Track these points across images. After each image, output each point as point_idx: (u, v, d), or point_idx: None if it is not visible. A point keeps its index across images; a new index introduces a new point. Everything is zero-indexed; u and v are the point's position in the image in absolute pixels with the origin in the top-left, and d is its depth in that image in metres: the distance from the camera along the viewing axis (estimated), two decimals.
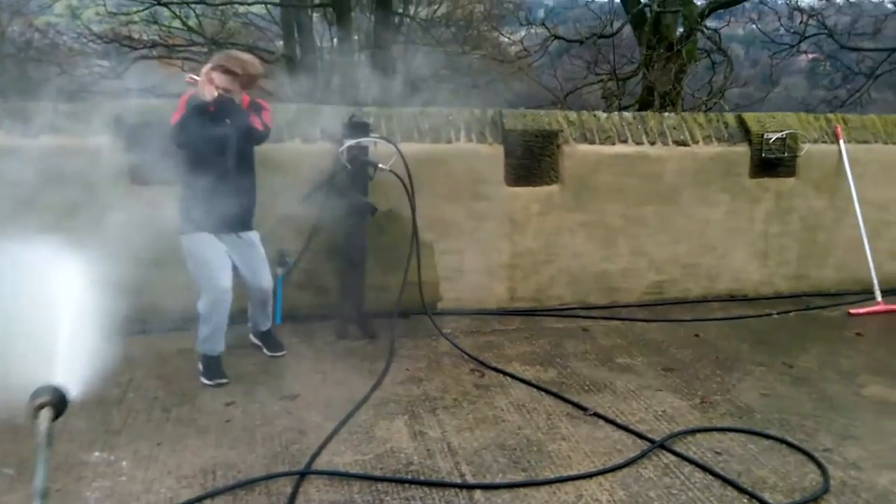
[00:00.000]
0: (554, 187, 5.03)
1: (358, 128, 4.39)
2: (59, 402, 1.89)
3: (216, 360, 3.81)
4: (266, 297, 4.05)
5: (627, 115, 5.43)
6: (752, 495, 2.81)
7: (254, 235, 3.90)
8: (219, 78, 3.63)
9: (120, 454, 3.05)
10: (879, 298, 5.26)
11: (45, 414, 1.79)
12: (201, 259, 3.70)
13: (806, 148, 5.42)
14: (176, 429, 3.30)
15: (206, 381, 3.75)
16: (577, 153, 5.04)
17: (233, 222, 3.76)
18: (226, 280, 3.71)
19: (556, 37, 12.82)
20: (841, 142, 5.52)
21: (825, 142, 5.54)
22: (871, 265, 5.36)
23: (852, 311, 5.16)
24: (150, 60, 12.66)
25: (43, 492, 1.56)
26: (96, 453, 3.06)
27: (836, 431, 3.36)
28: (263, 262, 3.95)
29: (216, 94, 3.56)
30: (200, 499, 2.75)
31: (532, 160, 4.95)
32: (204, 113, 3.57)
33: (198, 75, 3.65)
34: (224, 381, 3.77)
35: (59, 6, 13.79)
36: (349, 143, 4.31)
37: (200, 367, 3.81)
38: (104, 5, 12.16)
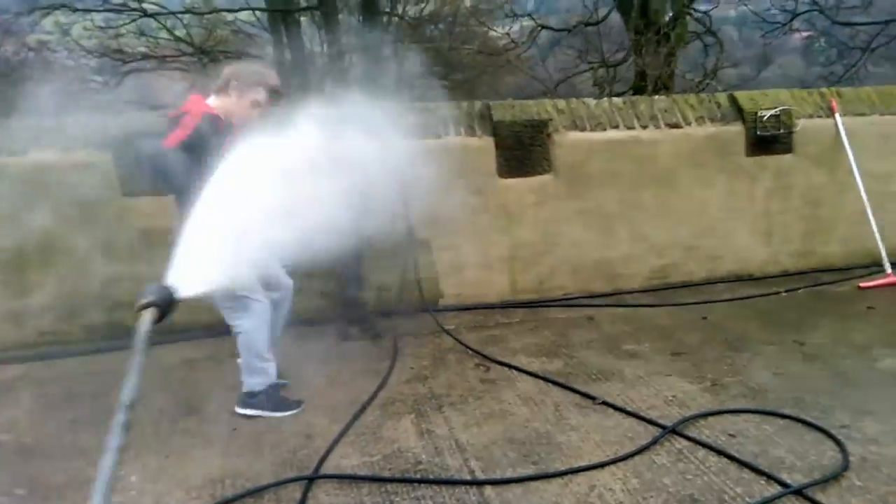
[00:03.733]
0: (547, 177, 4.99)
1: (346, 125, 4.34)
2: (164, 303, 1.76)
3: (276, 388, 3.54)
4: (290, 294, 3.85)
5: (617, 100, 5.39)
6: (769, 476, 2.75)
7: None
8: (265, 99, 3.38)
9: (129, 469, 3.00)
10: (889, 270, 5.21)
11: (147, 315, 1.65)
12: (244, 288, 3.41)
13: (801, 123, 5.38)
14: (183, 440, 3.26)
15: (282, 414, 3.45)
16: (567, 141, 5.00)
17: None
18: (263, 294, 3.50)
19: (543, 27, 12.80)
20: (837, 115, 5.47)
21: (821, 116, 5.50)
22: (878, 237, 5.31)
23: (862, 284, 5.11)
24: (143, 73, 12.65)
25: (130, 404, 1.45)
26: None
27: (852, 407, 3.30)
28: (279, 262, 3.87)
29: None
30: None
31: (523, 151, 4.91)
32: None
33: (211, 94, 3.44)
34: (303, 404, 3.53)
35: (48, 24, 13.75)
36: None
37: (258, 412, 3.44)
38: (92, 20, 12.13)
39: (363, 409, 3.47)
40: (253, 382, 3.47)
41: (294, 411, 3.48)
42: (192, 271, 2.30)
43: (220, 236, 2.44)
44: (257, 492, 2.80)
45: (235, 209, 2.54)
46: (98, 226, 4.26)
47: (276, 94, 3.42)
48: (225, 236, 2.45)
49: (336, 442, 3.15)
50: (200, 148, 3.03)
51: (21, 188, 4.17)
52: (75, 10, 11.63)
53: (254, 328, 3.44)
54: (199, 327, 4.24)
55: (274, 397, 3.51)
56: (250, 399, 3.48)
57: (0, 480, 2.95)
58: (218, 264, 2.47)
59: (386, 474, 2.90)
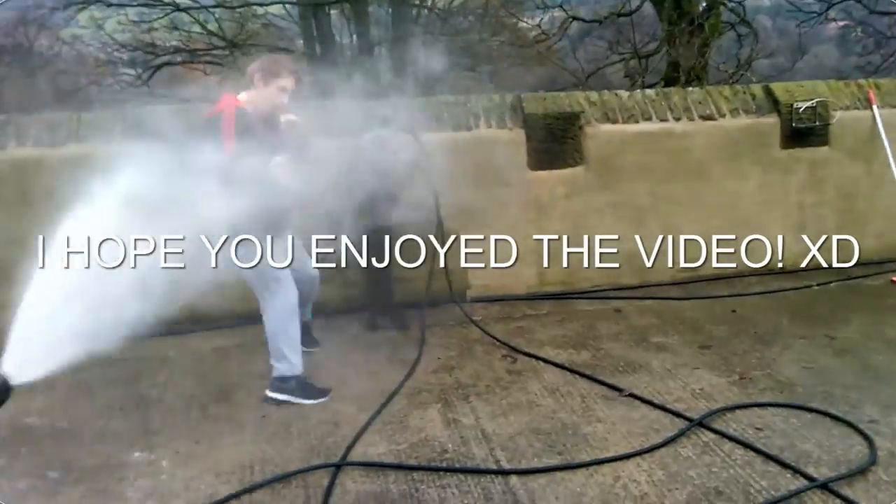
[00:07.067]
0: (578, 169, 4.97)
1: (378, 120, 4.37)
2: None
3: (303, 378, 3.57)
4: (316, 286, 3.95)
5: (650, 92, 5.35)
6: (795, 470, 2.74)
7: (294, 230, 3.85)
8: (289, 82, 3.50)
9: (160, 453, 3.09)
10: None
11: None
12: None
13: (838, 115, 5.29)
14: (214, 426, 3.33)
15: (311, 402, 3.49)
16: (600, 133, 4.98)
17: (286, 221, 3.61)
18: (292, 280, 3.55)
19: (574, 18, 12.70)
20: (874, 107, 5.37)
21: (858, 108, 5.40)
22: None
23: (895, 278, 5.02)
24: (174, 66, 12.85)
25: None
26: (137, 453, 3.10)
27: (881, 402, 3.27)
28: (308, 253, 3.88)
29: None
30: (239, 494, 2.77)
31: (554, 143, 4.89)
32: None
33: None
34: (330, 393, 3.57)
35: (83, 18, 13.99)
36: (370, 135, 4.30)
37: (288, 397, 3.49)
38: (126, 14, 12.34)
39: (390, 398, 3.50)
40: (283, 367, 3.52)
41: (323, 399, 3.53)
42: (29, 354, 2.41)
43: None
44: (285, 478, 2.85)
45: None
46: None
47: (296, 78, 3.57)
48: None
49: (363, 430, 3.19)
50: (249, 143, 3.23)
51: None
52: (110, 5, 11.85)
53: (278, 308, 3.49)
54: (230, 316, 4.30)
55: (304, 384, 3.56)
56: (282, 384, 3.52)
57: (34, 463, 3.04)
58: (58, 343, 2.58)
59: (412, 462, 2.94)
